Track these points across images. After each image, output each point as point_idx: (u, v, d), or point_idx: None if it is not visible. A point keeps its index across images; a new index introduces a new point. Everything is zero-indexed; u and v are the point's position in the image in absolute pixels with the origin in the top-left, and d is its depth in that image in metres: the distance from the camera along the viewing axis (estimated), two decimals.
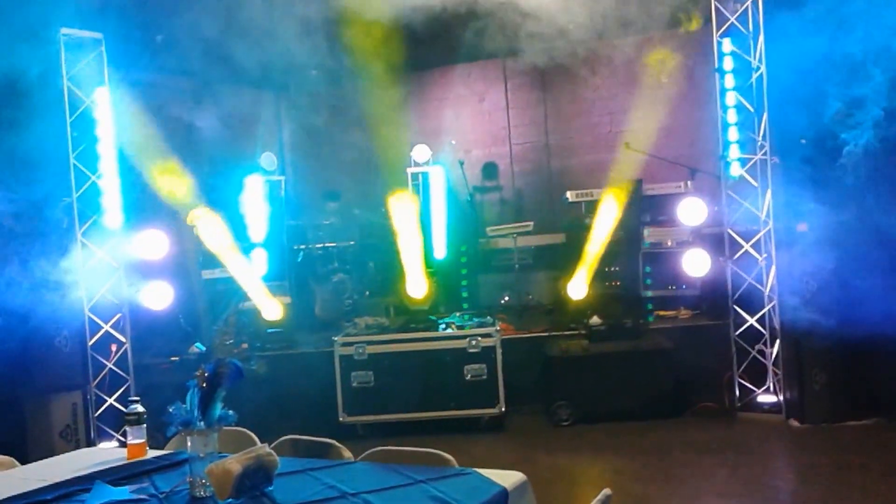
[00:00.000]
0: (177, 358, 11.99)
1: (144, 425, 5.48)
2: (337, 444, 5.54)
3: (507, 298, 14.37)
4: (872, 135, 9.91)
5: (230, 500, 4.29)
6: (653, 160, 14.21)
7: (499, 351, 11.42)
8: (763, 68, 11.22)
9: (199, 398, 4.47)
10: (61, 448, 9.89)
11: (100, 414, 11.41)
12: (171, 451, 5.45)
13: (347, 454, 5.42)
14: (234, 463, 4.34)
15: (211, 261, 13.74)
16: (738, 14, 11.34)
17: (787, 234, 10.93)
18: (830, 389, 10.49)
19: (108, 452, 5.80)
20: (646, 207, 13.51)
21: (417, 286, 13.40)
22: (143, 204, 12.08)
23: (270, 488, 4.47)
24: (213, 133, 14.01)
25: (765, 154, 11.23)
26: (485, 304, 14.16)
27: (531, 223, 14.90)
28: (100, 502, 4.50)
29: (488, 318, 12.19)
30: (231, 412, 4.57)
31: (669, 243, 13.24)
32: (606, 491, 4.30)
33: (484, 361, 11.37)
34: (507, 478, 4.56)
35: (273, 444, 5.14)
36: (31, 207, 10.79)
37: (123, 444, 6.17)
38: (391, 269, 14.20)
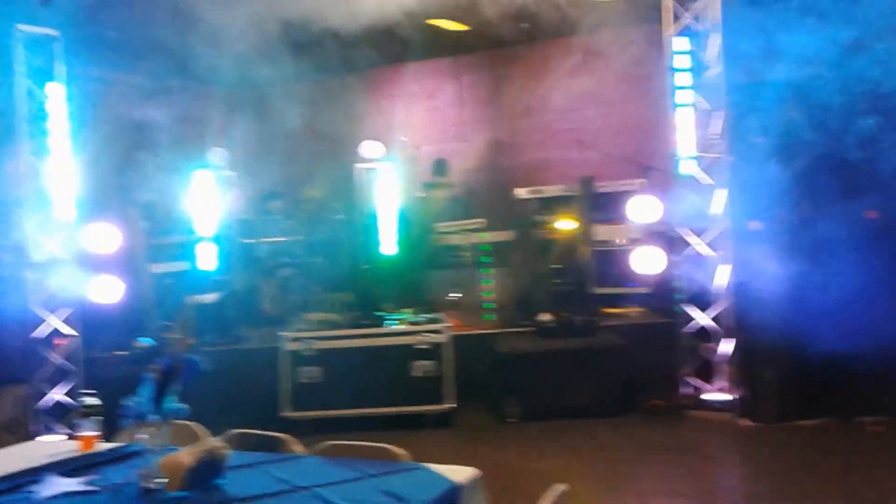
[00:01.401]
0: (124, 352, 11.89)
1: (97, 418, 5.41)
2: (287, 437, 5.53)
3: (457, 295, 14.33)
4: (828, 134, 9.96)
5: (181, 492, 4.27)
6: (606, 158, 14.22)
7: (448, 347, 11.43)
8: (719, 66, 11.24)
9: (153, 391, 4.45)
10: (6, 441, 9.80)
11: (45, 407, 11.34)
12: (123, 444, 5.38)
13: (298, 448, 5.41)
14: (187, 455, 4.34)
15: (160, 254, 13.72)
16: (693, 12, 11.36)
17: (741, 233, 10.95)
18: (781, 388, 10.53)
19: (59, 445, 5.71)
20: (597, 205, 13.54)
21: (367, 282, 13.32)
22: (94, 198, 11.99)
23: (221, 481, 4.45)
24: (163, 129, 13.97)
25: (719, 152, 11.25)
26: (435, 300, 14.07)
27: (484, 220, 14.89)
28: (50, 494, 4.46)
29: (438, 314, 12.16)
30: (184, 406, 4.55)
31: (621, 241, 13.25)
32: (561, 487, 4.27)
33: (433, 358, 11.38)
34: (460, 473, 4.56)
35: (223, 438, 5.08)
36: None
37: (69, 438, 6.09)
38: (341, 265, 14.17)
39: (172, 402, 4.48)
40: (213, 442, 4.63)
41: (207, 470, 4.40)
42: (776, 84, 10.53)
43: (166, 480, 4.29)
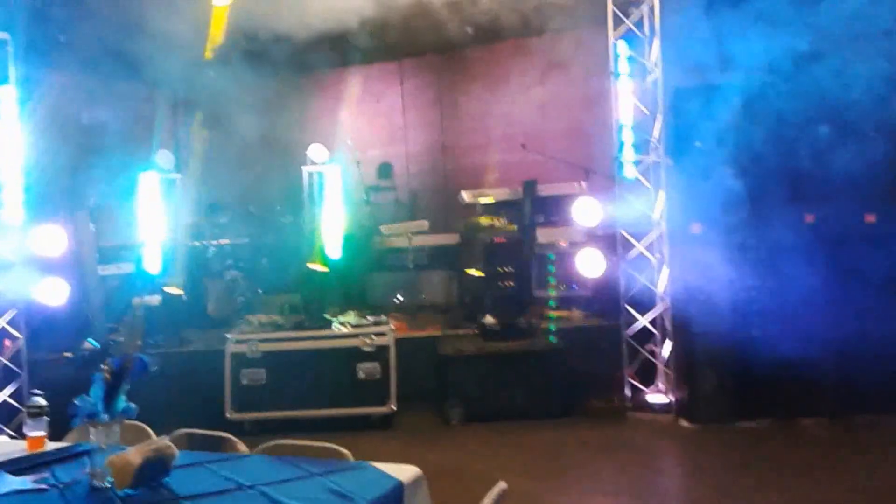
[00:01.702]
0: (70, 354, 11.87)
1: (46, 418, 5.42)
2: (232, 437, 5.58)
3: (400, 298, 14.39)
4: (767, 138, 10.09)
5: (129, 490, 4.31)
6: (548, 161, 14.29)
7: (392, 350, 11.46)
8: (658, 71, 11.37)
9: (103, 391, 4.51)
10: None
11: None
12: (72, 444, 5.41)
13: (242, 448, 5.46)
14: (135, 454, 4.38)
15: (107, 257, 13.70)
16: (634, 17, 11.47)
17: (681, 235, 11.06)
18: (721, 390, 10.64)
19: (7, 444, 5.74)
20: (540, 208, 13.62)
21: (311, 284, 13.37)
22: (42, 200, 11.95)
23: (168, 480, 4.50)
24: (111, 130, 13.95)
25: (658, 156, 11.38)
26: (379, 303, 14.17)
27: (426, 223, 14.95)
28: (1, 492, 4.48)
29: (382, 316, 12.16)
30: (133, 405, 4.62)
31: (563, 244, 13.32)
32: (502, 484, 4.37)
33: (377, 360, 11.40)
34: (403, 472, 4.62)
35: (168, 438, 5.12)
36: None
37: (15, 438, 6.12)
38: (285, 268, 14.20)
39: (122, 402, 4.55)
40: (161, 441, 4.66)
41: (155, 468, 4.44)
42: (715, 88, 10.66)
43: (114, 479, 4.34)
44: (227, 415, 11.30)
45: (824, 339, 9.91)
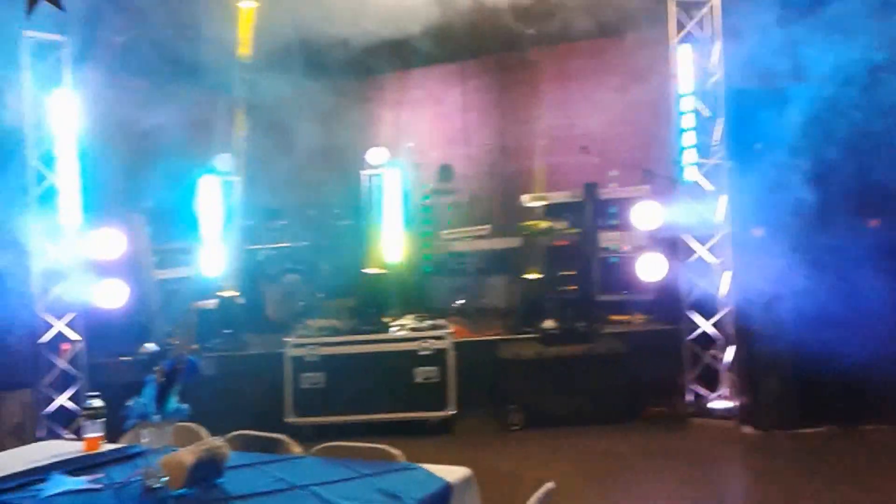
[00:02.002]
0: (129, 357, 11.91)
1: (102, 420, 5.53)
2: (286, 439, 5.62)
3: (461, 301, 14.38)
4: (829, 141, 9.99)
5: (182, 490, 4.38)
6: (610, 163, 14.25)
7: (450, 353, 11.46)
8: (720, 74, 11.29)
9: (155, 392, 4.57)
10: (11, 445, 9.80)
11: (50, 412, 11.40)
12: (127, 445, 5.48)
13: (296, 449, 5.50)
14: (188, 454, 4.45)
15: (165, 260, 13.76)
16: (695, 20, 11.41)
17: (743, 239, 10.98)
18: (784, 396, 10.56)
19: (65, 445, 5.84)
20: (602, 211, 13.54)
21: (369, 288, 13.35)
22: (99, 204, 12.01)
23: (221, 480, 4.57)
24: (169, 134, 13.97)
25: (720, 158, 11.29)
26: (439, 306, 14.15)
27: (488, 227, 14.96)
28: (56, 492, 4.57)
29: (440, 320, 12.17)
30: (185, 406, 4.67)
31: (626, 247, 13.27)
32: (549, 485, 4.33)
33: (435, 364, 11.41)
34: (452, 473, 4.67)
35: (224, 439, 5.13)
36: None
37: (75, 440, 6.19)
38: (345, 271, 14.19)
39: (174, 403, 4.60)
40: (214, 441, 4.73)
41: (208, 469, 4.51)
42: (777, 91, 10.58)
43: (168, 479, 4.40)
44: (287, 419, 11.30)
45: (887, 347, 9.82)
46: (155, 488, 4.44)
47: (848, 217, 10.27)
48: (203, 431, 5.57)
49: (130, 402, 4.55)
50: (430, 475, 4.66)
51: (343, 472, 4.73)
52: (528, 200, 14.24)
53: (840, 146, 9.89)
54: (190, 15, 12.19)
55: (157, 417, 4.54)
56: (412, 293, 14.31)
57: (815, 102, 10.15)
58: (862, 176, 9.83)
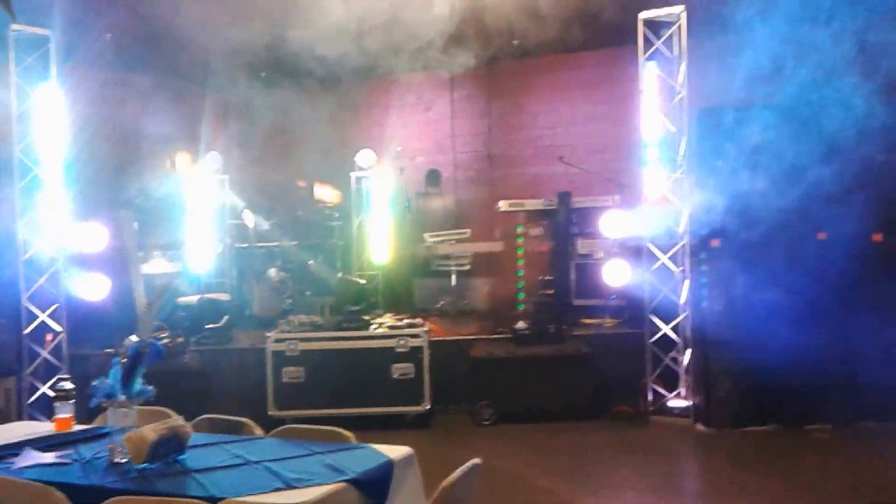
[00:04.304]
0: (112, 350, 12.17)
1: (72, 401, 5.81)
2: (250, 422, 5.95)
3: (443, 302, 14.74)
4: (785, 157, 10.39)
5: (145, 464, 4.72)
6: (586, 174, 14.66)
7: (426, 351, 11.75)
8: (685, 91, 11.68)
9: (121, 373, 4.94)
10: None
11: (32, 401, 11.65)
12: (96, 426, 5.83)
13: (259, 431, 5.84)
14: (150, 431, 4.76)
15: (151, 255, 14.04)
16: (662, 40, 11.79)
17: (701, 249, 11.35)
18: (734, 397, 10.96)
19: (37, 426, 6.14)
20: (575, 219, 13.90)
21: (356, 287, 13.72)
22: (85, 197, 12.25)
23: (183, 456, 4.90)
24: (157, 130, 14.17)
25: (683, 173, 11.72)
26: (422, 307, 14.48)
27: (468, 230, 15.25)
28: (26, 464, 4.93)
29: (418, 319, 12.44)
30: (150, 387, 5.03)
31: (599, 254, 13.63)
32: (475, 460, 4.78)
33: (411, 361, 11.69)
34: (396, 451, 5.04)
35: (193, 423, 5.52)
36: None
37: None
38: (331, 270, 14.58)
39: (139, 384, 4.97)
40: (177, 421, 5.03)
41: (170, 445, 4.84)
42: (739, 109, 10.92)
43: (131, 454, 4.74)
44: (270, 412, 11.56)
45: (831, 350, 10.30)
46: (120, 462, 4.78)
47: (797, 230, 10.68)
48: (172, 413, 5.81)
49: (96, 382, 4.92)
50: (375, 452, 5.03)
51: (296, 450, 5.07)
52: (504, 206, 14.53)
53: (792, 164, 10.27)
54: (176, 10, 12.28)
55: (122, 397, 4.89)
56: (399, 293, 14.67)
57: (773, 123, 10.55)
58: (812, 191, 10.16)
